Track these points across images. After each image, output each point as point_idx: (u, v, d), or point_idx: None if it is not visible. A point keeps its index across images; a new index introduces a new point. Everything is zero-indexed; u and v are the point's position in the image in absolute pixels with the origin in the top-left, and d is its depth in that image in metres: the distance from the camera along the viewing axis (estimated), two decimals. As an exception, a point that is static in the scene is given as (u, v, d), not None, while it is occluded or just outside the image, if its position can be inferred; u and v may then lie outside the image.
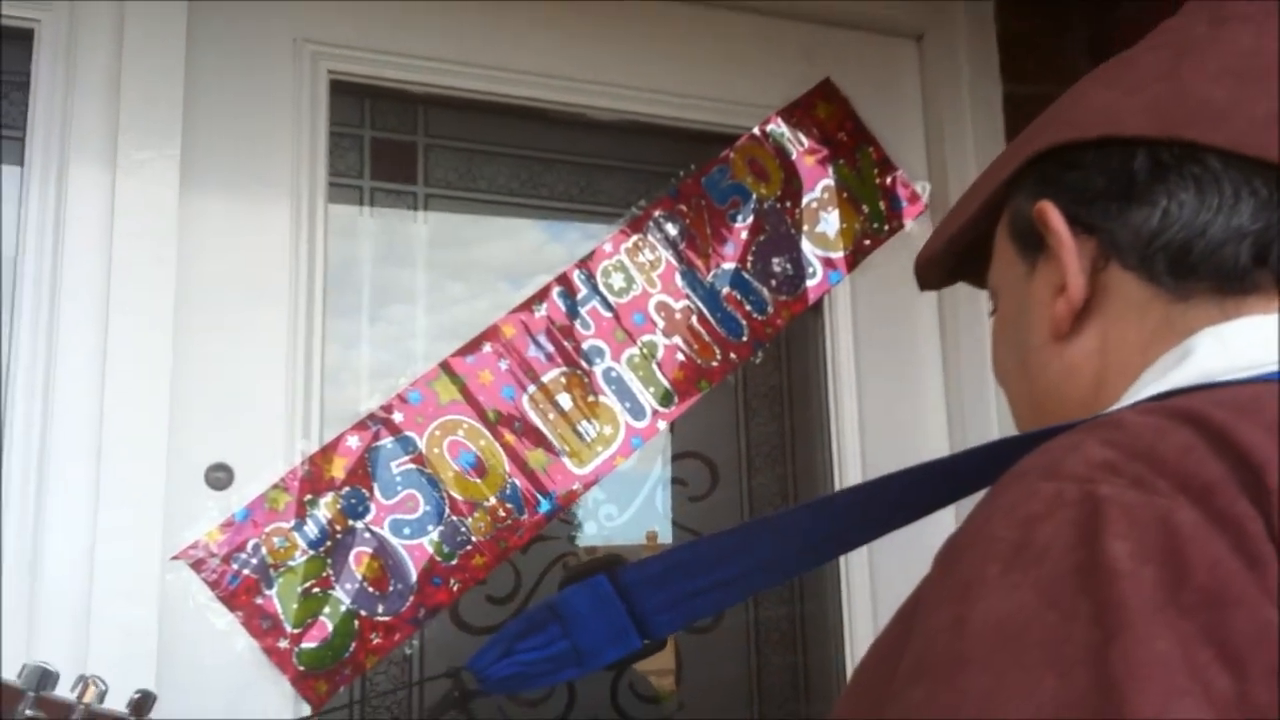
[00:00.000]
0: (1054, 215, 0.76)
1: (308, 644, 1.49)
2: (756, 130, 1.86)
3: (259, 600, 1.48)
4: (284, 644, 1.48)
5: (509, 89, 1.76)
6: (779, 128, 1.87)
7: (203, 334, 1.51)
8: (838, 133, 1.90)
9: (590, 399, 1.69)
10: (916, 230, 1.90)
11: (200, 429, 1.49)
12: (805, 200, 1.86)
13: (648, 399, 1.72)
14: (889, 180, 1.91)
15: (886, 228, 1.89)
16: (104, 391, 1.43)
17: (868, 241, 1.88)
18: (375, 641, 1.52)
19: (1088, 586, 0.51)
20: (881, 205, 1.90)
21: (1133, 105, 0.74)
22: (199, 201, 1.55)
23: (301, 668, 1.49)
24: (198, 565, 1.46)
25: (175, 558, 1.44)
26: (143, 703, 0.99)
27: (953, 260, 0.89)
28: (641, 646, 0.87)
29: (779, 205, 1.85)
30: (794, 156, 1.87)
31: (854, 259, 1.87)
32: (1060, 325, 0.76)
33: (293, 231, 1.58)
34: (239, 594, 1.47)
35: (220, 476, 1.49)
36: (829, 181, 1.87)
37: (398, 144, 1.74)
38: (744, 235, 1.81)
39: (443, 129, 1.77)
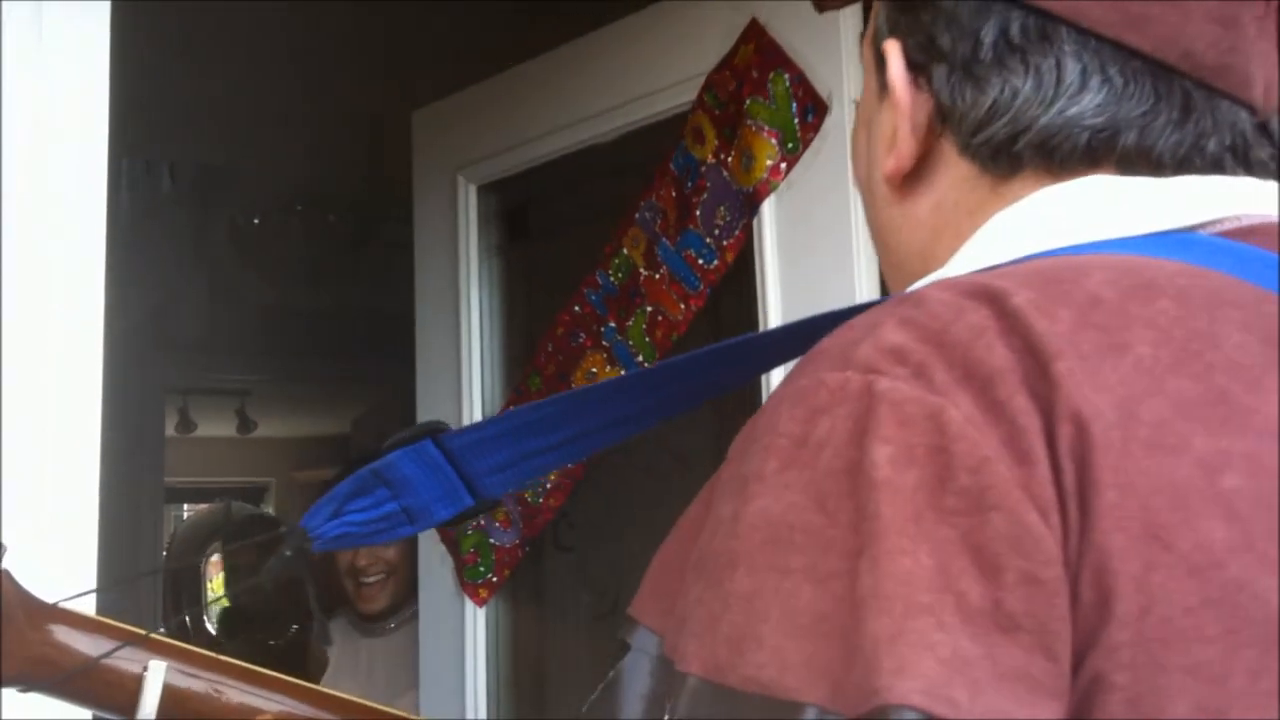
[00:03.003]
0: (896, 68, 0.70)
1: (469, 565, 2.37)
2: (695, 98, 2.07)
3: (454, 539, 2.38)
4: (453, 567, 2.39)
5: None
6: (710, 88, 2.05)
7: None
8: (750, 71, 1.99)
9: (608, 369, 2.21)
10: (830, 133, 1.90)
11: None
12: (734, 146, 2.01)
13: (639, 359, 2.15)
14: (803, 97, 1.94)
15: (801, 145, 1.92)
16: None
17: (784, 165, 1.94)
18: (505, 560, 2.32)
19: (853, 490, 0.50)
20: (795, 123, 1.94)
21: None
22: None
23: (466, 580, 2.37)
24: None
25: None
26: None
27: None
28: (475, 504, 0.89)
29: (715, 160, 2.04)
30: (721, 110, 2.03)
31: (768, 186, 1.95)
32: (891, 180, 0.72)
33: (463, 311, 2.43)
34: (446, 538, 2.38)
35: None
36: (746, 121, 1.99)
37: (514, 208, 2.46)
38: (693, 198, 2.07)
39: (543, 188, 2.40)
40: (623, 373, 2.14)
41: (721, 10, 2.04)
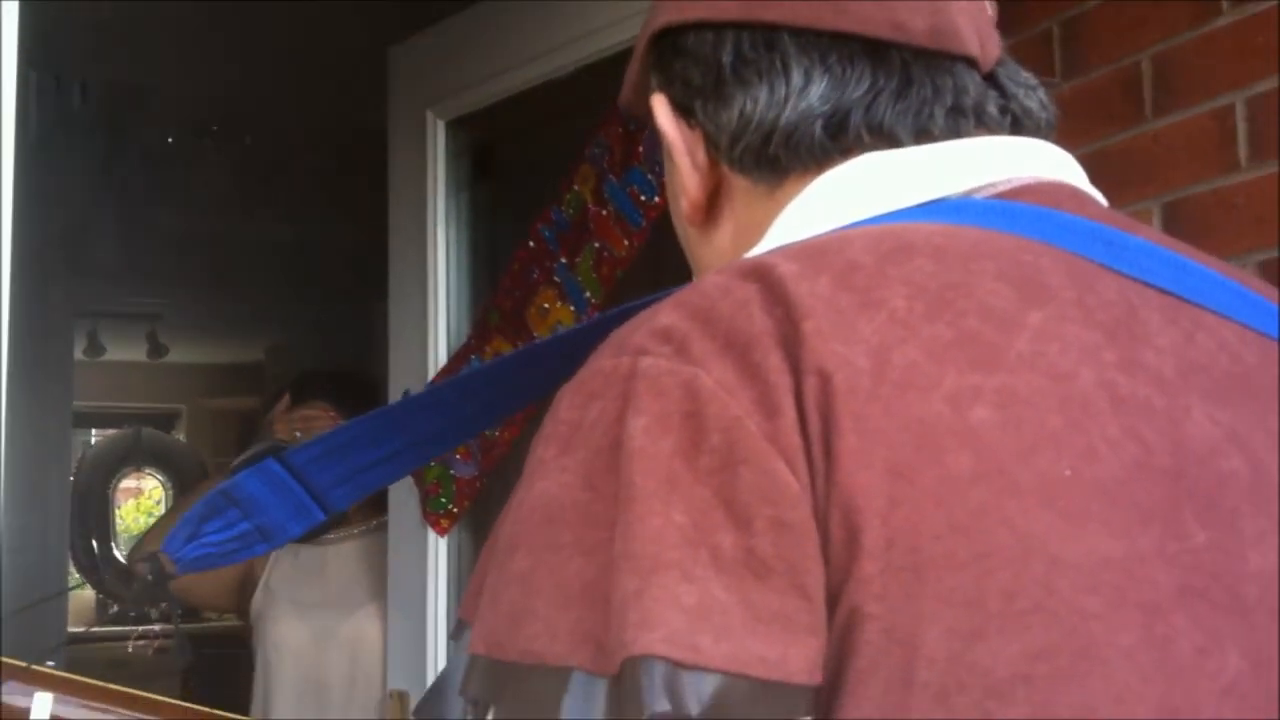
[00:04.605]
0: (663, 116, 0.75)
1: (431, 496, 2.39)
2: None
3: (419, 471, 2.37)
4: (418, 497, 2.41)
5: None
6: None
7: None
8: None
9: (559, 304, 2.21)
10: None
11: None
12: (674, 82, 2.01)
13: (586, 295, 2.15)
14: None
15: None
16: None
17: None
18: (465, 491, 2.35)
19: (614, 464, 0.53)
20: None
21: None
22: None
23: (428, 510, 2.40)
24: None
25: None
26: None
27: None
28: (326, 517, 0.93)
29: (658, 96, 2.03)
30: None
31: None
32: (693, 219, 0.76)
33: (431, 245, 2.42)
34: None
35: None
36: None
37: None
38: (637, 134, 2.05)
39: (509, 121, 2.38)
40: (574, 312, 2.16)
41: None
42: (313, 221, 4.44)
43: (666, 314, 0.57)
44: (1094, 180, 0.71)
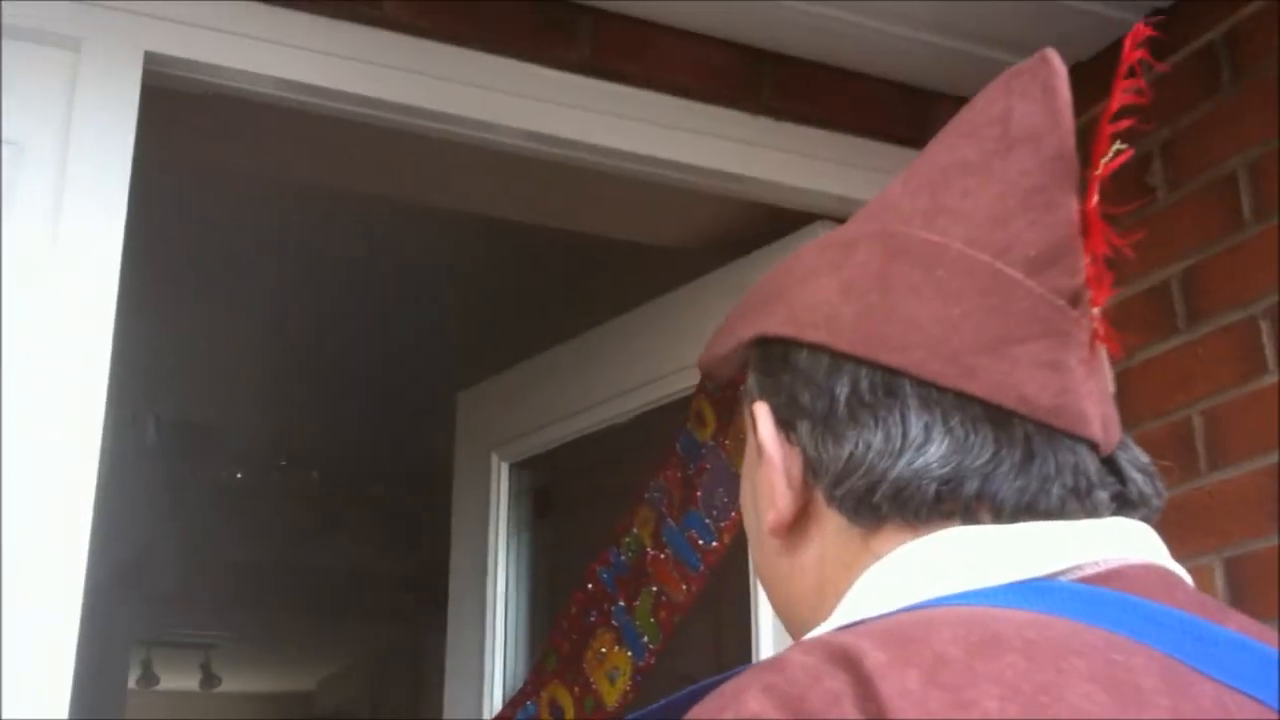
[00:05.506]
0: (765, 428, 0.74)
1: None
2: (697, 383, 2.12)
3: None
4: None
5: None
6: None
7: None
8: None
9: (616, 649, 2.19)
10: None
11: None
12: (730, 429, 2.06)
13: (644, 640, 2.13)
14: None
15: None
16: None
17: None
18: None
19: None
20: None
21: (846, 314, 0.70)
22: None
23: None
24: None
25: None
26: None
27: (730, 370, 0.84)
28: None
29: (714, 442, 2.09)
30: (719, 394, 2.09)
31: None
32: (775, 533, 0.74)
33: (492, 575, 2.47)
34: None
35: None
36: (741, 405, 2.03)
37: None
38: (695, 479, 2.10)
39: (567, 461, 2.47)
40: (631, 657, 2.13)
41: (726, 302, 2.09)
42: (371, 554, 4.48)
43: (754, 698, 0.55)
44: (1156, 531, 0.70)
